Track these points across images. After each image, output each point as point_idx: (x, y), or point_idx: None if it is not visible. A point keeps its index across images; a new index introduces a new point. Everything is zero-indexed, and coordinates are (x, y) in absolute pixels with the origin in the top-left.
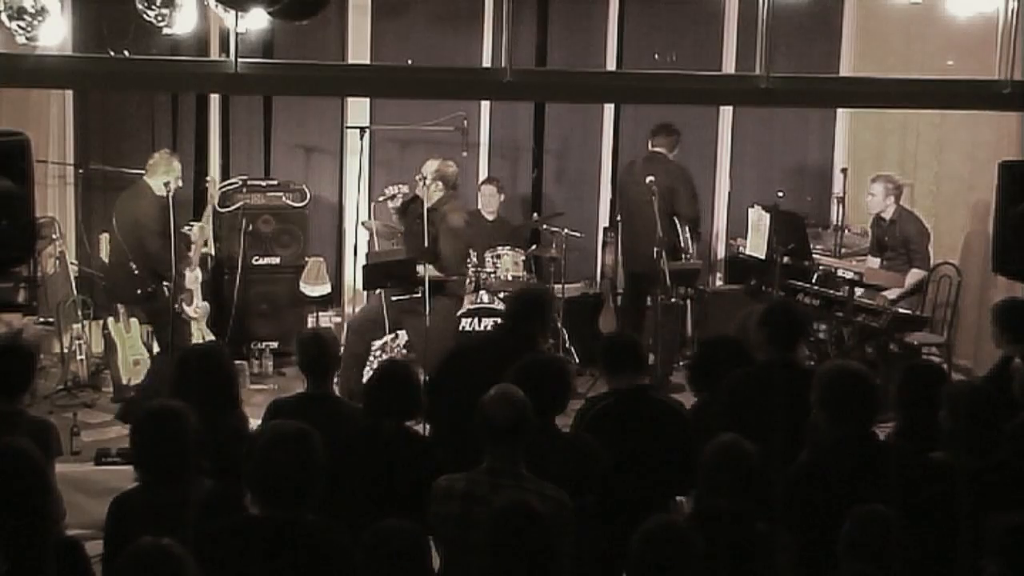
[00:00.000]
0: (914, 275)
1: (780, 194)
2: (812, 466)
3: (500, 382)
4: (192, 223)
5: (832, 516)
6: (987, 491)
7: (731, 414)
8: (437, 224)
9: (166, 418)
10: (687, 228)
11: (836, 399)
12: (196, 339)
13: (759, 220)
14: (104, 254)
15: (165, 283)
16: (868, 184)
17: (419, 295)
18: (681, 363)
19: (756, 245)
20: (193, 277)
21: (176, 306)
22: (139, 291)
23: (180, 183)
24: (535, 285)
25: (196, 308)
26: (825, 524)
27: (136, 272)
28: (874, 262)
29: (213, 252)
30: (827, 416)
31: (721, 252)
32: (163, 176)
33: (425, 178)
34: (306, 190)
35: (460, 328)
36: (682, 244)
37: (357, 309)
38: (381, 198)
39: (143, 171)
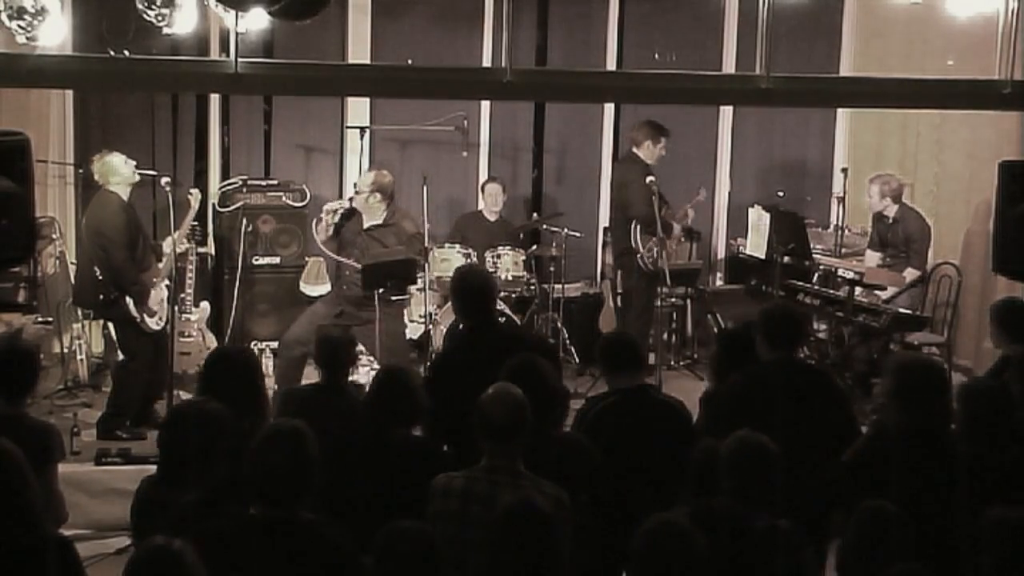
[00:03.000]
0: (909, 274)
1: (780, 194)
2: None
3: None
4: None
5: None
6: (996, 485)
7: (733, 414)
8: (396, 235)
9: (200, 420)
10: (638, 228)
11: (908, 390)
12: (195, 340)
13: (759, 220)
14: (72, 253)
15: (128, 296)
16: (867, 184)
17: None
18: (681, 363)
19: (756, 245)
20: (157, 296)
21: (137, 316)
22: (101, 296)
23: (137, 178)
24: (465, 270)
25: (158, 321)
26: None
27: (99, 278)
28: (873, 257)
29: (213, 252)
30: (898, 406)
31: (721, 252)
32: (121, 176)
33: (360, 192)
34: (306, 190)
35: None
36: (633, 246)
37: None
38: (324, 215)
39: (143, 171)
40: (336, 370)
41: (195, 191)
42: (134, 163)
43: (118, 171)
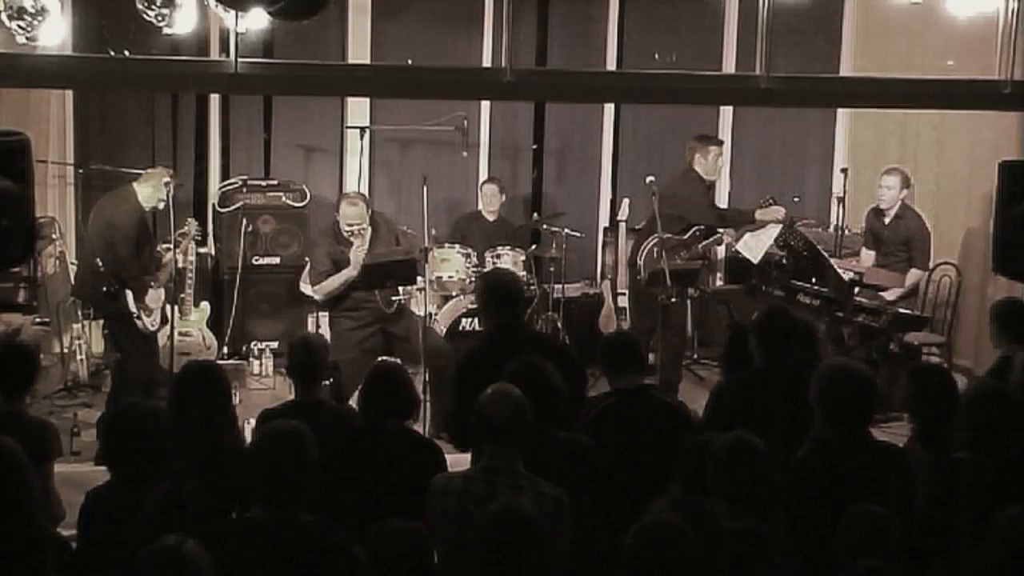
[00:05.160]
0: (914, 275)
1: (796, 199)
2: (807, 465)
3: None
4: (168, 241)
5: (825, 516)
6: (1008, 488)
7: (726, 419)
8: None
9: (137, 418)
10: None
11: (831, 398)
12: (195, 340)
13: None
14: (72, 253)
15: (127, 289)
16: (880, 176)
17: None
18: (683, 363)
19: (749, 248)
20: (156, 296)
21: (135, 312)
22: (104, 288)
23: (160, 205)
24: (496, 274)
25: (153, 322)
26: (818, 524)
27: (101, 270)
28: (868, 256)
29: (213, 252)
30: (822, 415)
31: (721, 252)
32: (153, 190)
33: (363, 224)
34: (306, 190)
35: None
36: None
37: None
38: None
39: (143, 171)
40: (310, 379)
41: (188, 226)
42: (170, 190)
43: (153, 183)
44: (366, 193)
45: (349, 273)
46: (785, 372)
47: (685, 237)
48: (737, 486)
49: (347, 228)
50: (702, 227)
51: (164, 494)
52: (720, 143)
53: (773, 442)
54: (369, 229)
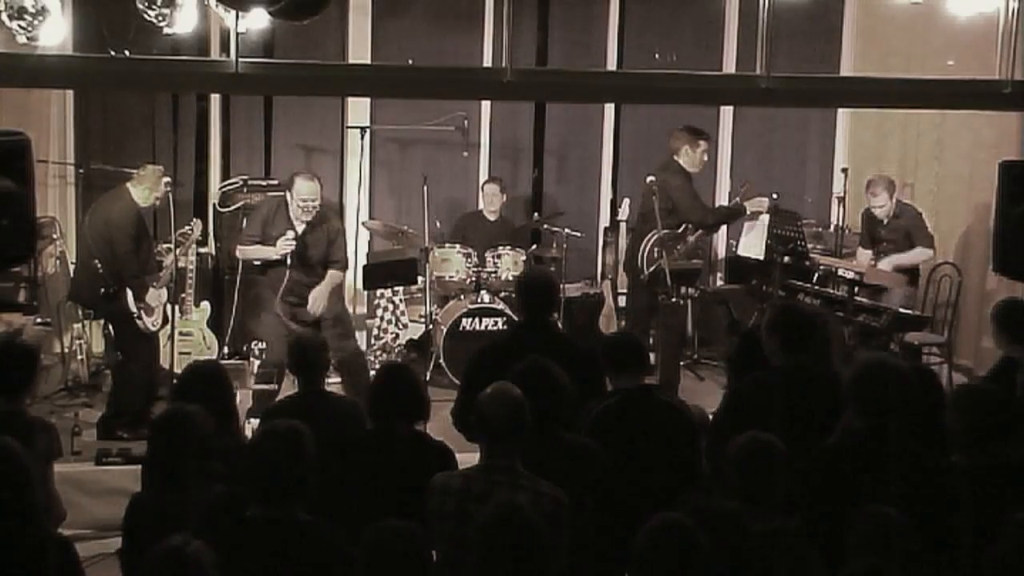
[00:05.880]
0: (923, 253)
1: (775, 195)
2: (836, 455)
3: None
4: (168, 241)
5: (848, 507)
6: (997, 491)
7: (743, 418)
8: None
9: (182, 422)
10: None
11: (864, 391)
12: (196, 340)
13: (755, 224)
14: (72, 253)
15: (128, 288)
16: (866, 195)
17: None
18: (681, 363)
19: (748, 246)
20: (156, 295)
21: (135, 312)
22: (102, 289)
23: (158, 202)
24: (535, 270)
25: (155, 321)
26: (841, 515)
27: (100, 271)
28: (864, 255)
29: (213, 252)
30: (855, 407)
31: (721, 252)
32: (147, 190)
33: (316, 202)
34: None
35: (460, 328)
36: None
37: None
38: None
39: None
40: (312, 374)
41: (191, 225)
42: (166, 190)
43: (145, 180)
44: (367, 193)
45: (269, 255)
46: (802, 370)
47: (678, 231)
48: (756, 486)
49: (300, 203)
50: (692, 223)
51: (212, 497)
52: (708, 137)
53: (793, 440)
54: (314, 211)
